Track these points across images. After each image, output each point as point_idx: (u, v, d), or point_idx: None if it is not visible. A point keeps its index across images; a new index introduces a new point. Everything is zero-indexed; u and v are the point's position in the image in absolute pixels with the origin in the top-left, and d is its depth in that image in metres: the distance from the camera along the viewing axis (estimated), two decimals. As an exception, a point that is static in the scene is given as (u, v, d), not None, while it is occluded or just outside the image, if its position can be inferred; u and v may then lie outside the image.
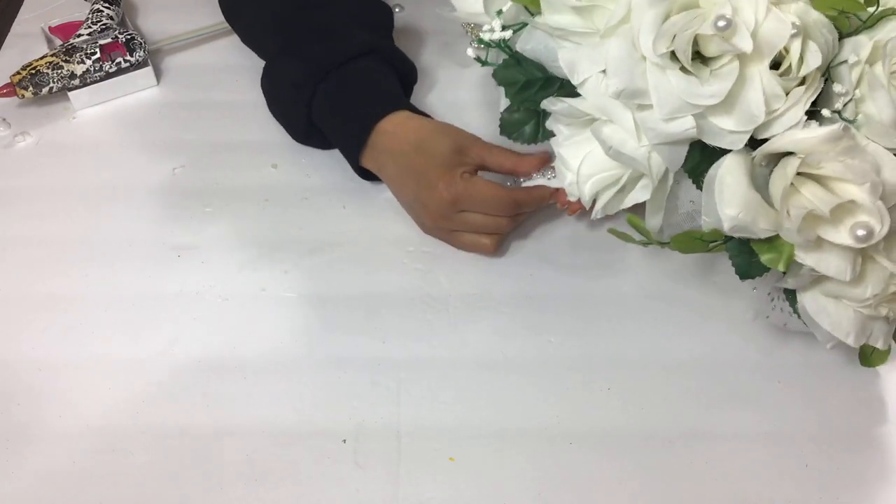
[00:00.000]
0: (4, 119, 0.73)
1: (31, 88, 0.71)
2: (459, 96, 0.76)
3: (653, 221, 0.55)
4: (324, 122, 0.66)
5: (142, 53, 0.75)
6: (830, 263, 0.47)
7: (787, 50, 0.45)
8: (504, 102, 0.58)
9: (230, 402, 0.57)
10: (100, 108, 0.75)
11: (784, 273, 0.49)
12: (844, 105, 0.46)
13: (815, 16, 0.45)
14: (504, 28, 0.54)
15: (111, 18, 0.75)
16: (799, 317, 0.54)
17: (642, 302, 0.62)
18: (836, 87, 0.46)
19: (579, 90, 0.50)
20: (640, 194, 0.54)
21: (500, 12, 0.55)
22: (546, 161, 0.61)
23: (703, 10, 0.45)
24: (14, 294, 0.62)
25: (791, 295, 0.54)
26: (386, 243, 0.65)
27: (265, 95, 0.69)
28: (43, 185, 0.69)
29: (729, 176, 0.47)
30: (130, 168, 0.70)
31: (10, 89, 0.71)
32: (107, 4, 0.76)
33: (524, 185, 0.62)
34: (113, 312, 0.61)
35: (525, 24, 0.54)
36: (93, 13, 0.75)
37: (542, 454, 0.55)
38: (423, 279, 0.63)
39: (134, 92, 0.76)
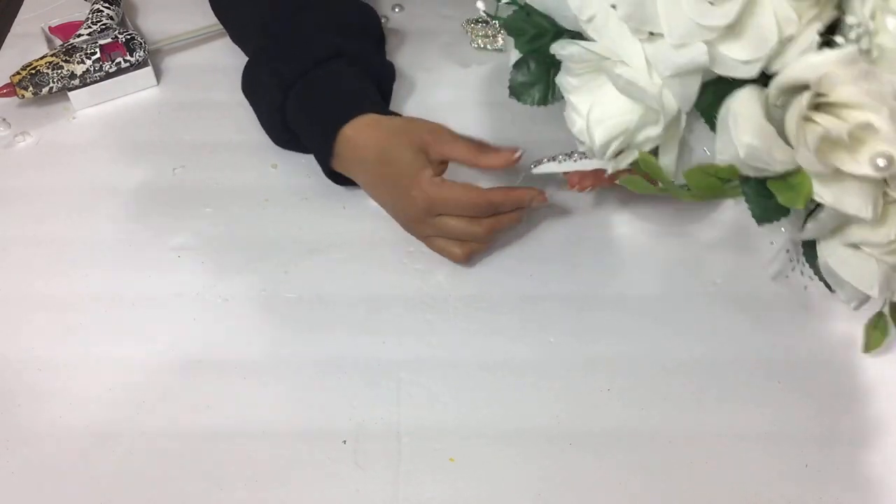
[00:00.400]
0: (4, 119, 0.73)
1: (31, 88, 0.71)
2: (459, 96, 0.76)
3: (667, 164, 0.53)
4: (297, 127, 0.66)
5: (142, 53, 0.75)
6: (851, 198, 0.46)
7: None
8: (514, 56, 0.57)
9: (230, 402, 0.57)
10: (100, 108, 0.75)
11: (804, 221, 0.48)
12: (858, 38, 0.44)
13: None
14: None
15: (111, 18, 0.75)
16: (820, 278, 0.52)
17: (642, 302, 0.62)
18: (850, 19, 0.44)
19: (587, 29, 0.49)
20: (652, 130, 0.51)
21: None
22: (512, 156, 0.59)
23: None
24: (14, 294, 0.62)
25: (811, 254, 0.52)
26: (386, 244, 0.65)
27: (247, 99, 0.69)
28: (43, 185, 0.69)
29: (743, 107, 0.46)
30: (130, 168, 0.70)
31: (10, 89, 0.71)
32: (107, 4, 0.76)
33: (534, 171, 0.61)
34: (113, 312, 0.61)
35: None
36: (93, 13, 0.75)
37: (542, 454, 0.55)
38: (424, 279, 0.63)
39: (134, 92, 0.76)
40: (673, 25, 0.46)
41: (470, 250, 0.62)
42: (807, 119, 0.45)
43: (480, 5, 0.57)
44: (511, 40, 0.56)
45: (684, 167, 0.53)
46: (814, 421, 0.57)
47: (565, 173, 0.60)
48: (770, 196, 0.48)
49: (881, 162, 0.44)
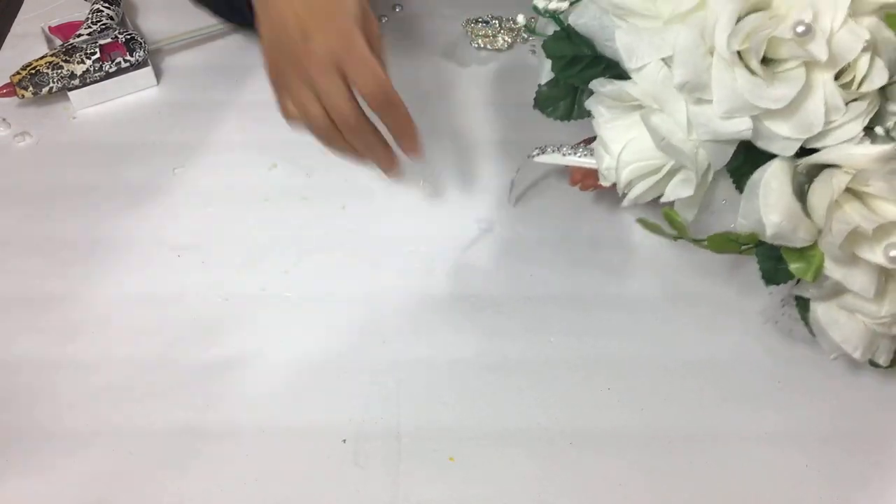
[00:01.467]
0: (4, 119, 0.73)
1: (31, 88, 0.71)
2: (460, 97, 0.76)
3: (686, 215, 0.54)
4: None
5: (142, 53, 0.75)
6: (857, 279, 0.47)
7: (852, 63, 0.44)
8: (546, 75, 0.56)
9: (230, 401, 0.57)
10: (100, 108, 0.75)
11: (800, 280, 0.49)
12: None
13: (887, 33, 0.44)
14: None
15: (111, 18, 0.75)
16: (807, 325, 0.53)
17: (643, 302, 0.62)
18: (892, 107, 0.45)
19: (634, 75, 0.49)
20: (680, 189, 0.52)
21: None
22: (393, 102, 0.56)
23: (780, 11, 0.44)
24: (14, 294, 0.62)
25: (802, 304, 0.54)
26: (386, 243, 0.65)
27: None
28: (43, 185, 0.69)
29: (775, 181, 0.46)
30: (130, 168, 0.70)
31: (10, 89, 0.71)
32: (107, 4, 0.76)
33: (535, 159, 0.60)
34: (113, 312, 0.61)
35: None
36: (93, 13, 0.75)
37: (542, 454, 0.55)
38: (423, 279, 0.63)
39: (134, 92, 0.76)
40: (724, 97, 0.46)
41: (319, 123, 0.56)
42: (836, 203, 0.46)
43: (521, 19, 0.57)
44: (544, 54, 0.56)
45: (702, 218, 0.54)
46: (815, 421, 0.57)
47: (568, 168, 0.59)
48: (781, 261, 0.49)
49: (894, 253, 0.45)
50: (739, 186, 0.50)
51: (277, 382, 0.58)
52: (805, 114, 0.45)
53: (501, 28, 0.80)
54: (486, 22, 0.80)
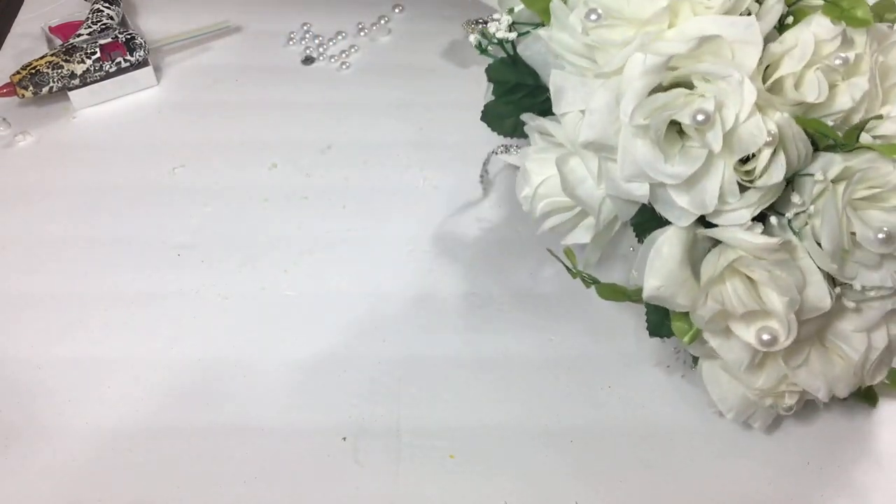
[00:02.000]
0: (4, 119, 0.73)
1: (31, 88, 0.71)
2: (459, 97, 0.76)
3: (591, 257, 0.55)
4: None
5: (142, 53, 0.75)
6: (732, 352, 0.48)
7: (756, 154, 0.44)
8: (488, 96, 0.58)
9: (229, 400, 0.57)
10: (100, 107, 0.75)
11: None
12: (796, 215, 0.46)
13: (796, 129, 0.44)
14: (511, 28, 0.54)
15: (111, 18, 0.75)
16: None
17: (642, 300, 0.62)
18: (794, 198, 0.45)
19: (559, 119, 0.50)
20: (580, 234, 0.53)
21: (511, 10, 0.54)
22: None
23: (692, 93, 0.44)
24: (14, 293, 0.62)
25: (694, 356, 0.55)
26: (385, 242, 0.65)
27: None
28: (43, 185, 0.69)
29: (666, 247, 0.47)
30: (130, 168, 0.70)
31: (11, 89, 0.71)
32: (107, 4, 0.76)
33: (498, 155, 0.61)
34: (112, 311, 0.61)
35: (530, 31, 0.53)
36: (93, 13, 0.75)
37: (542, 452, 0.55)
38: (423, 278, 0.63)
39: (134, 92, 0.76)
40: (626, 165, 0.46)
41: None
42: (720, 275, 0.46)
43: (472, 40, 0.57)
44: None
45: (610, 261, 0.56)
46: (812, 419, 0.57)
47: None
48: (667, 316, 0.50)
49: (765, 337, 0.45)
50: (641, 240, 0.50)
51: (277, 381, 0.58)
52: (701, 192, 0.45)
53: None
54: (486, 23, 0.80)
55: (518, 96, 0.56)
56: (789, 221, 0.46)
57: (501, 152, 0.61)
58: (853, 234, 0.45)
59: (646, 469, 0.54)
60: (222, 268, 0.64)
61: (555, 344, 0.60)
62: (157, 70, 0.77)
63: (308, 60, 0.80)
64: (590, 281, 0.52)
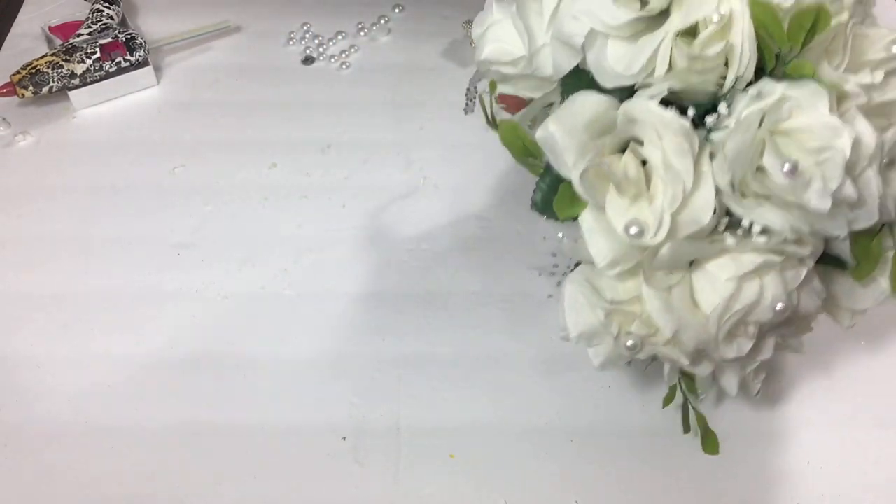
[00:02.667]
0: (4, 118, 0.73)
1: (31, 88, 0.71)
2: (459, 97, 0.76)
3: (526, 116, 0.52)
4: None
5: (142, 53, 0.75)
6: (599, 241, 0.44)
7: (705, 25, 0.42)
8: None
9: (229, 399, 0.57)
10: (100, 107, 0.75)
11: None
12: (716, 127, 0.43)
13: (748, 25, 0.41)
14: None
15: (111, 18, 0.75)
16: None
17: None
18: (721, 106, 0.43)
19: None
20: (508, 68, 0.50)
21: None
22: None
23: None
24: (14, 292, 0.62)
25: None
26: (385, 241, 0.65)
27: None
28: (43, 185, 0.69)
29: (579, 103, 0.43)
30: (130, 167, 0.70)
31: (11, 89, 0.71)
32: (107, 4, 0.76)
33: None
34: (112, 310, 0.61)
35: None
36: (93, 13, 0.75)
37: (542, 451, 0.55)
38: (423, 277, 0.63)
39: (134, 92, 0.76)
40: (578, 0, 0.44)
41: None
42: (616, 146, 0.44)
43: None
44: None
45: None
46: (812, 418, 0.57)
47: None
48: (555, 194, 0.46)
49: (633, 230, 0.42)
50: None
51: (277, 380, 0.58)
52: (637, 51, 0.43)
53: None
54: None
55: None
56: (709, 131, 0.43)
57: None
58: (761, 168, 0.42)
59: (646, 469, 0.54)
60: (222, 267, 0.64)
61: (555, 344, 0.60)
62: (157, 70, 0.77)
63: (308, 60, 0.80)
64: (495, 123, 0.49)
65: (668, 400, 0.54)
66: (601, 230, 0.44)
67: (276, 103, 0.76)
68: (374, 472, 0.54)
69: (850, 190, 0.41)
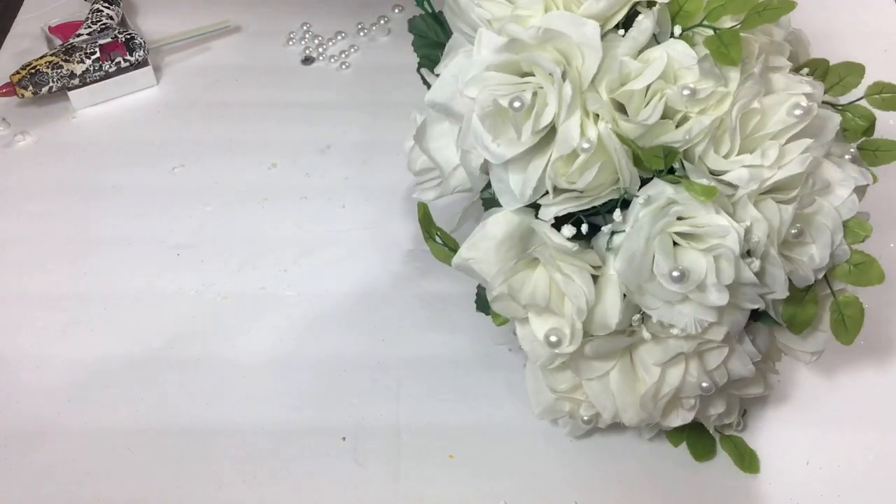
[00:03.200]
0: (4, 118, 0.73)
1: (30, 88, 0.71)
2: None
3: (455, 225, 0.54)
4: None
5: (142, 53, 0.75)
6: (531, 346, 0.47)
7: (577, 152, 0.43)
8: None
9: (229, 400, 0.57)
10: (100, 107, 0.75)
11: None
12: (616, 230, 0.44)
13: (617, 144, 0.42)
14: None
15: (111, 18, 0.75)
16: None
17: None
18: (616, 214, 0.44)
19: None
20: (428, 194, 0.52)
21: None
22: None
23: (525, 82, 0.44)
24: (14, 292, 0.62)
25: None
26: (385, 241, 0.65)
27: None
28: (43, 185, 0.69)
29: (490, 225, 0.46)
30: (130, 167, 0.70)
31: (10, 89, 0.71)
32: (107, 4, 0.76)
33: None
34: (112, 311, 0.61)
35: None
36: (93, 13, 0.75)
37: (542, 452, 0.55)
38: (423, 277, 0.63)
39: (134, 92, 0.76)
40: (466, 133, 0.45)
41: None
42: (528, 266, 0.46)
43: None
44: None
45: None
46: (811, 420, 0.57)
47: None
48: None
49: (553, 338, 0.45)
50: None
51: (277, 380, 0.58)
52: (525, 180, 0.44)
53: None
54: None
55: (436, 52, 0.56)
56: (611, 235, 0.45)
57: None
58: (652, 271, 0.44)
59: (645, 469, 0.54)
60: (222, 268, 0.64)
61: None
62: (157, 70, 0.77)
63: (308, 60, 0.80)
64: (428, 236, 0.51)
65: (675, 440, 0.55)
66: (531, 335, 0.47)
67: (276, 103, 0.76)
68: (374, 472, 0.54)
69: (747, 275, 0.43)
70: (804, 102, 0.43)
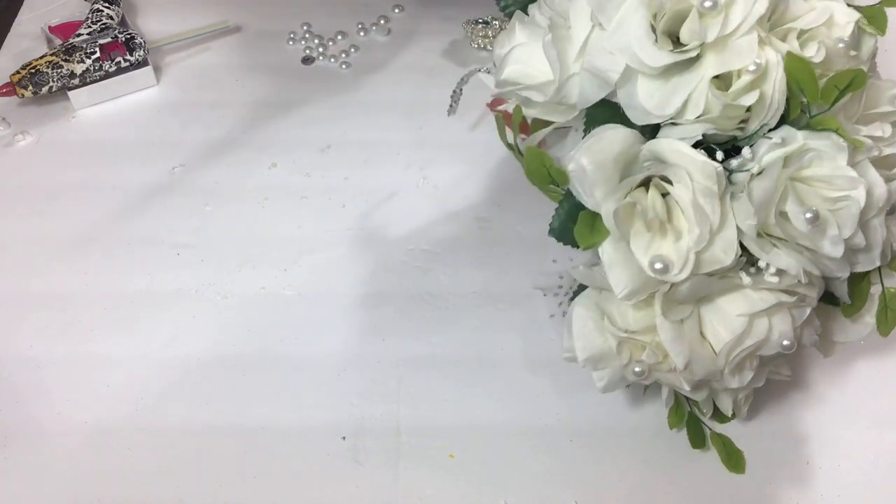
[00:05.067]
0: (4, 118, 0.73)
1: (30, 88, 0.71)
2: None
3: (534, 138, 0.52)
4: None
5: (142, 53, 0.75)
6: (619, 273, 0.45)
7: (739, 74, 0.43)
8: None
9: (229, 399, 0.57)
10: (100, 107, 0.75)
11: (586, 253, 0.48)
12: (740, 169, 0.44)
13: (781, 77, 0.43)
14: None
15: (111, 18, 0.75)
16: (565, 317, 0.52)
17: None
18: (746, 151, 0.44)
19: None
20: (534, 93, 0.50)
21: None
22: None
23: None
24: (13, 292, 0.62)
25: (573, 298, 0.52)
26: (385, 241, 0.65)
27: None
28: (43, 185, 0.69)
29: (608, 136, 0.44)
30: (130, 167, 0.70)
31: (10, 89, 0.71)
32: (107, 4, 0.76)
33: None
34: (112, 311, 0.61)
35: None
36: (93, 13, 0.75)
37: (542, 451, 0.55)
38: (423, 277, 0.63)
39: (134, 92, 0.76)
40: (618, 32, 0.44)
41: None
42: (643, 183, 0.45)
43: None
44: None
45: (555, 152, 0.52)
46: (811, 420, 0.57)
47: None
48: (574, 222, 0.47)
49: (658, 265, 0.43)
50: (587, 131, 0.48)
51: (276, 380, 0.58)
52: (670, 91, 0.44)
53: (501, 29, 0.80)
54: (487, 23, 0.80)
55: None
56: (731, 172, 0.44)
57: (483, 71, 0.59)
58: (783, 213, 0.44)
59: (645, 469, 0.54)
60: (222, 268, 0.64)
61: (555, 342, 0.60)
62: (157, 70, 0.77)
63: (308, 60, 0.80)
64: (518, 151, 0.49)
65: (674, 422, 0.54)
66: (621, 261, 0.45)
67: (276, 103, 0.76)
68: (374, 472, 0.54)
69: (859, 238, 0.44)
70: None
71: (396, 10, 0.84)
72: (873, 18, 0.46)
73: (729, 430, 0.55)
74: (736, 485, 0.53)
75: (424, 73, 0.78)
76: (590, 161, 0.44)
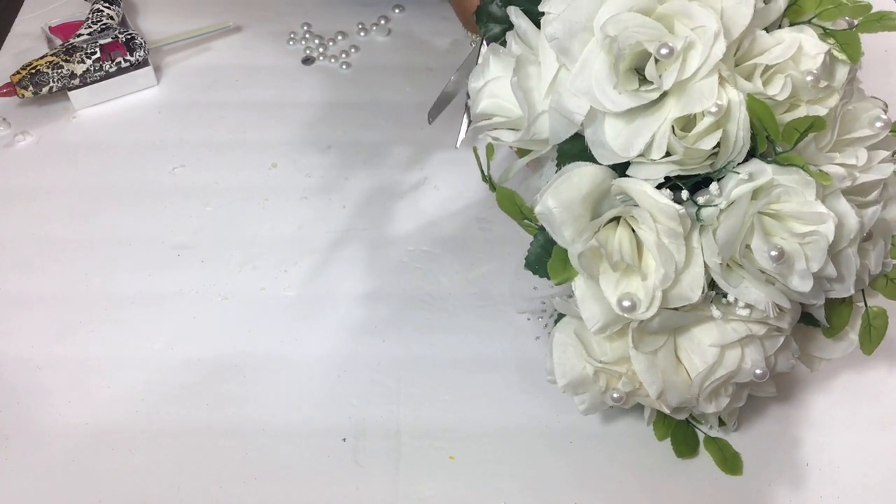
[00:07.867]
0: (4, 119, 0.73)
1: (31, 88, 0.71)
2: (459, 97, 0.76)
3: (509, 172, 0.52)
4: None
5: (142, 53, 0.75)
6: (591, 307, 0.46)
7: (697, 122, 0.43)
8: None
9: (229, 400, 0.57)
10: (100, 107, 0.75)
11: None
12: (707, 204, 0.44)
13: (744, 115, 0.42)
14: None
15: (111, 18, 0.75)
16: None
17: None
18: (713, 187, 0.44)
19: (543, 21, 0.47)
20: (506, 134, 0.50)
21: None
22: None
23: (665, 24, 0.43)
24: (13, 292, 0.62)
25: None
26: (385, 242, 0.65)
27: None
28: (43, 185, 0.69)
29: (577, 177, 0.45)
30: (130, 168, 0.70)
31: (11, 89, 0.71)
32: (107, 4, 0.76)
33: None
34: (112, 311, 0.61)
35: None
36: (93, 13, 0.75)
37: (542, 452, 0.55)
38: (423, 278, 0.63)
39: (134, 92, 0.76)
40: (580, 74, 0.44)
41: None
42: (613, 221, 0.45)
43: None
44: None
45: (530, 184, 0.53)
46: (809, 420, 0.57)
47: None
48: (549, 255, 0.47)
49: (626, 303, 0.44)
50: (559, 166, 0.48)
51: (277, 381, 0.58)
52: (634, 133, 0.44)
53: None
54: (487, 23, 0.80)
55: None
56: (699, 208, 0.44)
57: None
58: (748, 247, 0.44)
59: (645, 469, 0.54)
60: (222, 268, 0.64)
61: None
62: (157, 70, 0.77)
63: (308, 60, 0.80)
64: (493, 185, 0.50)
65: (661, 434, 0.55)
66: (593, 297, 0.46)
67: (276, 103, 0.76)
68: (374, 473, 0.54)
69: (830, 269, 0.44)
70: (883, 115, 0.45)
71: (396, 10, 0.84)
72: (846, 45, 0.44)
73: (728, 431, 0.55)
74: (736, 486, 0.54)
75: (424, 73, 0.78)
76: (557, 203, 0.45)
